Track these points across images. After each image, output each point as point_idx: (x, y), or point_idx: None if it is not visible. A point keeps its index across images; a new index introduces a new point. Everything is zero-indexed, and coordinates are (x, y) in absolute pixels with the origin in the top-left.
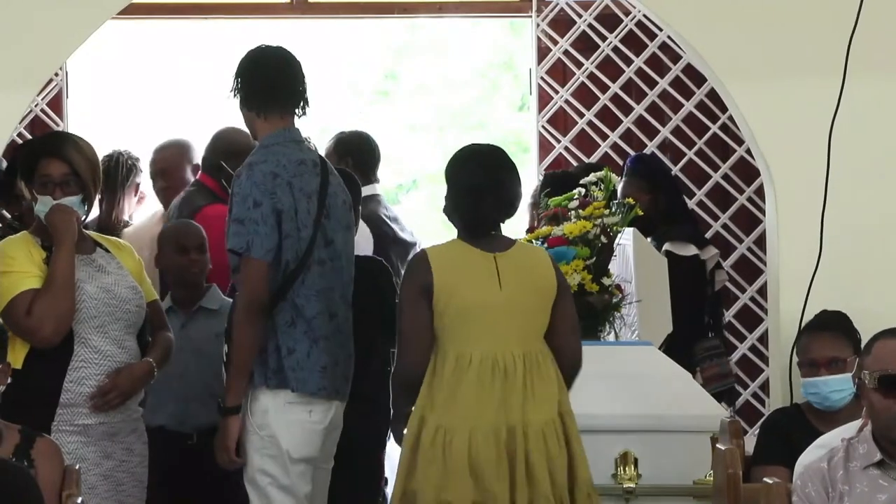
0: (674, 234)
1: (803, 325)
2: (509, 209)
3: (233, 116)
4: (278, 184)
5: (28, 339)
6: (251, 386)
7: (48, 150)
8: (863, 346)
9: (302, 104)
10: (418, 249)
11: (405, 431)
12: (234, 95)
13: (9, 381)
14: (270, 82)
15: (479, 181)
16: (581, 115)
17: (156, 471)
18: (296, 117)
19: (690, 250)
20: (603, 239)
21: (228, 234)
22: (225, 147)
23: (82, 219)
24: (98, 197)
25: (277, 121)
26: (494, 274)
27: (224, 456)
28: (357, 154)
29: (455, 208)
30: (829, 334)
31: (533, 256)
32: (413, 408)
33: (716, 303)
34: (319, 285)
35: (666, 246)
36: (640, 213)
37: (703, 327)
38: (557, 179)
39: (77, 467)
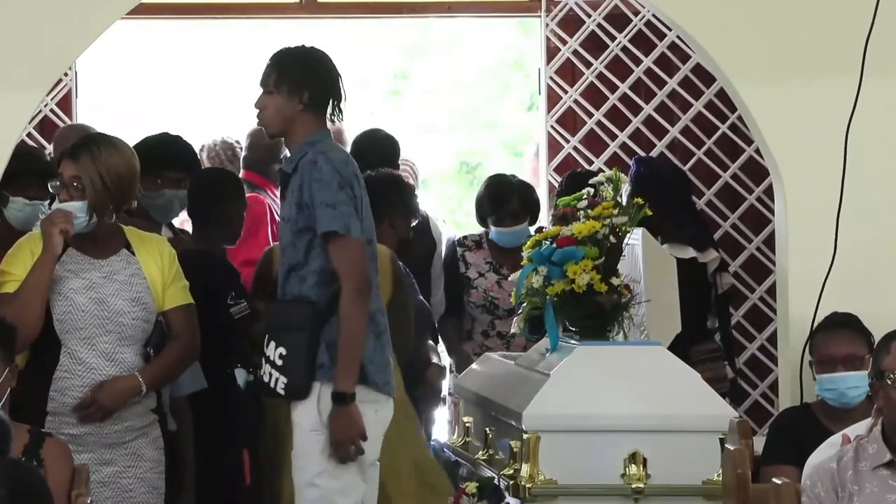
0: (674, 236)
1: (815, 325)
2: None
3: (240, 115)
4: (351, 171)
5: None
6: (321, 381)
7: (71, 150)
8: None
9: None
10: None
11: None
12: (297, 89)
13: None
14: (332, 85)
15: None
16: (590, 115)
17: None
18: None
19: (688, 253)
20: (612, 239)
21: (321, 219)
22: (272, 144)
23: (79, 226)
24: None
25: (319, 122)
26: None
27: (349, 448)
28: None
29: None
30: (846, 332)
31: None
32: None
33: (722, 306)
34: (375, 281)
35: (664, 248)
36: (650, 212)
37: (705, 330)
38: (579, 179)
39: (86, 468)
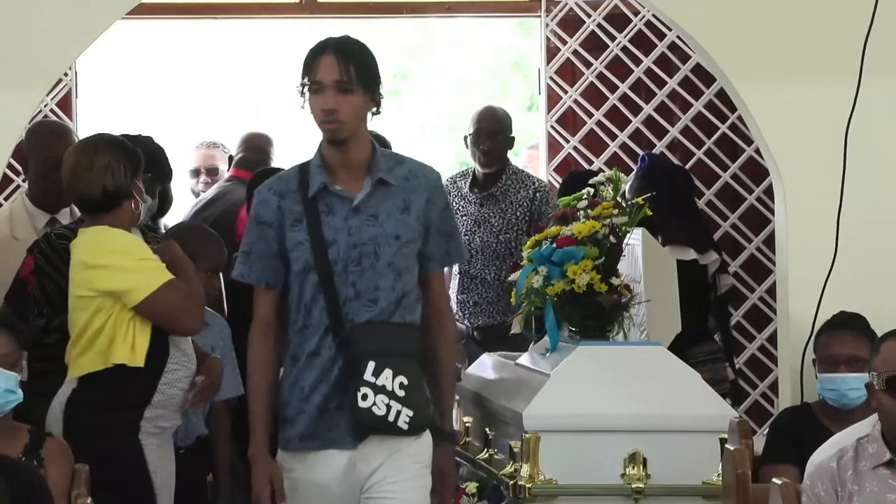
0: (675, 237)
1: (821, 323)
2: None
3: (239, 116)
4: None
5: (191, 322)
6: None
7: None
8: None
9: None
10: None
11: None
12: (372, 87)
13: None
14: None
15: None
16: (590, 115)
17: None
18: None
19: (689, 255)
20: (612, 239)
21: (458, 249)
22: (266, 145)
23: None
24: None
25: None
26: None
27: (447, 495)
28: None
29: None
30: (850, 332)
31: None
32: None
33: (722, 307)
34: None
35: (664, 250)
36: (649, 212)
37: (705, 331)
38: (579, 179)
39: (86, 468)
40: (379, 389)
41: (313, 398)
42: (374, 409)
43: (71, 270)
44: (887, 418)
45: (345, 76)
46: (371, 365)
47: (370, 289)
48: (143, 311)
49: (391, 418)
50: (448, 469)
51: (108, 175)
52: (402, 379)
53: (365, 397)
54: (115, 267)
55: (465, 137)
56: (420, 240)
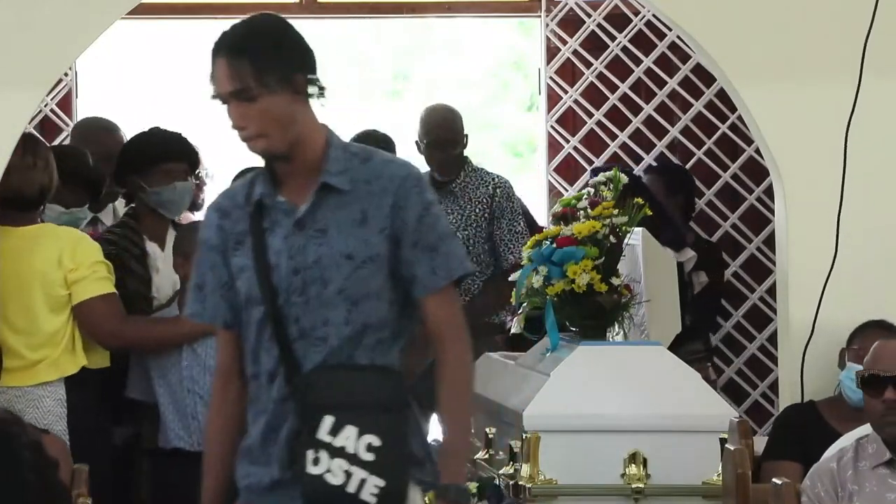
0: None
1: (821, 324)
2: None
3: None
4: None
5: (109, 341)
6: (420, 484)
7: None
8: None
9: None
10: None
11: None
12: (292, 71)
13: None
14: (310, 56)
15: None
16: (590, 115)
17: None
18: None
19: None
20: (612, 239)
21: (454, 260)
22: None
23: None
24: None
25: (313, 112)
26: None
27: None
28: None
29: None
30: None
31: None
32: None
33: (702, 305)
34: None
35: (665, 249)
36: (649, 212)
37: (691, 331)
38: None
39: (86, 468)
40: (336, 452)
41: (262, 463)
42: (329, 476)
43: (41, 266)
44: (868, 415)
45: (238, 83)
46: (328, 421)
47: (317, 324)
48: (79, 310)
49: (351, 489)
50: None
51: (46, 174)
52: (370, 439)
53: (317, 462)
54: (91, 264)
55: (417, 144)
56: (388, 258)
